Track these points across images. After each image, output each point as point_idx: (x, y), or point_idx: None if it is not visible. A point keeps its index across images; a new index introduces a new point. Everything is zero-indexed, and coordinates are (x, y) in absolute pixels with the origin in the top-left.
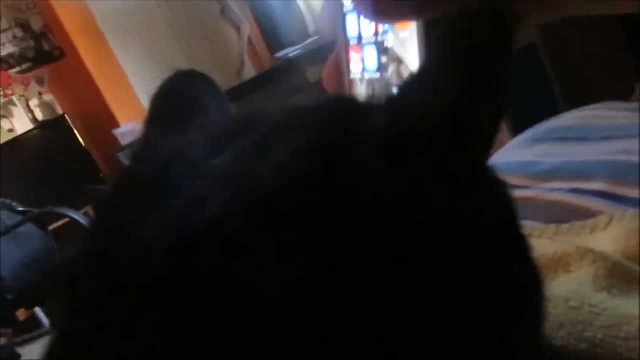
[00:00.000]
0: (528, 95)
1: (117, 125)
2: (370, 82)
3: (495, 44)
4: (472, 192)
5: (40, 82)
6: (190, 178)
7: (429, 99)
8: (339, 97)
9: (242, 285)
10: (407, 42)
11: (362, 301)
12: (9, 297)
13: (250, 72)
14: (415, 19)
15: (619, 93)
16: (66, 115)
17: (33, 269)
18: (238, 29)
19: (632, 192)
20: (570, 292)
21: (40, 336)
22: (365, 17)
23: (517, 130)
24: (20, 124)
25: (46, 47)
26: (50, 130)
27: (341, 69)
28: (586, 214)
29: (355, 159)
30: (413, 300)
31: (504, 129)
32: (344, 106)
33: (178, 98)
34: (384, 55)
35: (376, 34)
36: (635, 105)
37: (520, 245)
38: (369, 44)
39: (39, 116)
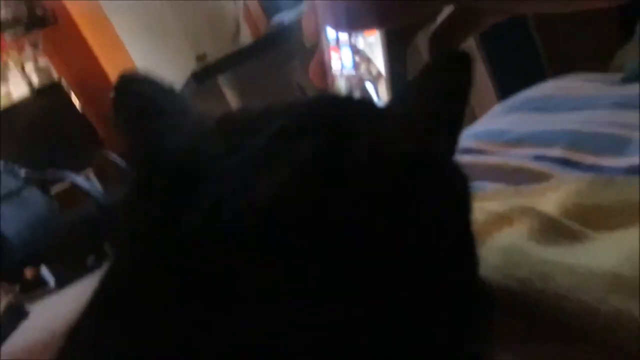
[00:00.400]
0: (516, 63)
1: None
2: (348, 77)
3: (460, 80)
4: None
5: (35, 46)
6: (209, 176)
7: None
8: (333, 103)
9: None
10: (373, 46)
11: (355, 291)
12: (17, 256)
13: (246, 36)
14: (378, 28)
15: (600, 60)
16: (62, 80)
17: (38, 230)
18: None
19: (586, 159)
20: (508, 242)
21: (45, 294)
22: (335, 28)
23: (504, 96)
24: (17, 89)
25: (39, 11)
26: (47, 94)
27: (325, 66)
28: (544, 178)
29: (350, 177)
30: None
31: (493, 96)
32: (339, 114)
33: (145, 98)
34: (356, 55)
35: (350, 37)
36: (604, 76)
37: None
38: (345, 45)
39: (35, 81)
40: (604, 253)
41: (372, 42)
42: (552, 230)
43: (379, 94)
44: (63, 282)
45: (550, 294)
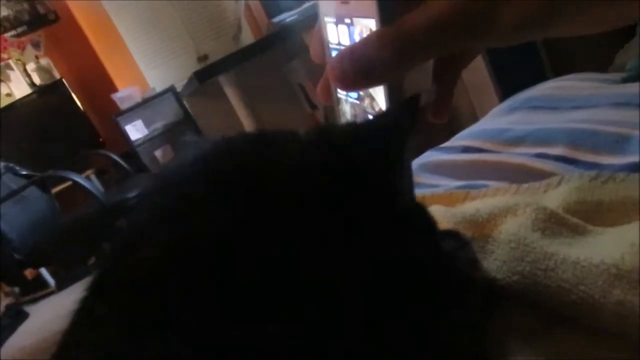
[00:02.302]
0: (516, 63)
1: (115, 90)
2: (352, 105)
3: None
4: None
5: (36, 45)
6: None
7: None
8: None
9: None
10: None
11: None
12: (17, 257)
13: (247, 36)
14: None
15: (599, 61)
16: (64, 80)
17: (39, 231)
18: None
19: (586, 157)
20: (511, 235)
21: (46, 295)
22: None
23: (505, 96)
24: (18, 88)
25: (41, 10)
26: (48, 94)
27: (331, 87)
28: (544, 176)
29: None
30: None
31: (494, 97)
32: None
33: None
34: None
35: None
36: (605, 75)
37: None
38: None
39: (37, 80)
40: (605, 246)
41: None
42: (555, 222)
43: None
44: (63, 283)
45: (555, 288)
